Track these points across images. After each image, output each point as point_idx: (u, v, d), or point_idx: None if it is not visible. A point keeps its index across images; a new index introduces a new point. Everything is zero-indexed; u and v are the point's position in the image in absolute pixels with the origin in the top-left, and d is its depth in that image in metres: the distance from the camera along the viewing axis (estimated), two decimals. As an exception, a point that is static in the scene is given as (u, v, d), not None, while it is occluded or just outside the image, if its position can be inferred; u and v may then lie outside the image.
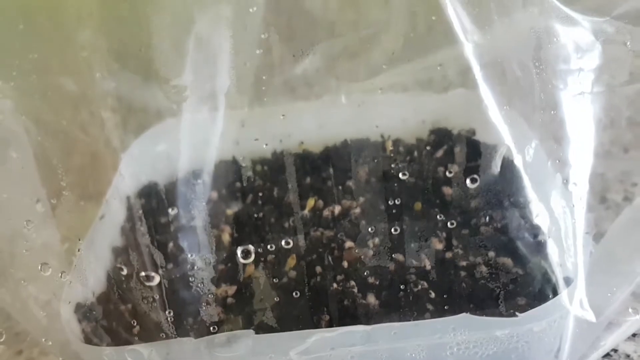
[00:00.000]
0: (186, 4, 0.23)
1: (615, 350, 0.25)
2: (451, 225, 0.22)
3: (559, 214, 0.20)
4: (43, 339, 0.21)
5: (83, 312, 0.21)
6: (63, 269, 0.22)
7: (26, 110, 0.25)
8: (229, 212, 0.28)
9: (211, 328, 0.20)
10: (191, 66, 0.26)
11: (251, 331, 0.20)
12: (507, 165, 0.20)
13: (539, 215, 0.20)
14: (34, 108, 0.25)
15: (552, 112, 0.20)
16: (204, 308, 0.20)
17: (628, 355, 0.25)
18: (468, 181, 0.21)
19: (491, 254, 0.21)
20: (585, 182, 0.20)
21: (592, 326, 0.22)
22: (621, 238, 0.23)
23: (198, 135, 0.29)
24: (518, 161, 0.20)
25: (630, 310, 0.23)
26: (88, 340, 0.20)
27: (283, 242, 0.23)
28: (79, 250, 0.23)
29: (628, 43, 0.20)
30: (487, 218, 0.21)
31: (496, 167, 0.20)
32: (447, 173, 0.25)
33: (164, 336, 0.20)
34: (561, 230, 0.20)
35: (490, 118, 0.20)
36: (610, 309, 0.22)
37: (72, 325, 0.20)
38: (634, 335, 0.26)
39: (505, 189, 0.20)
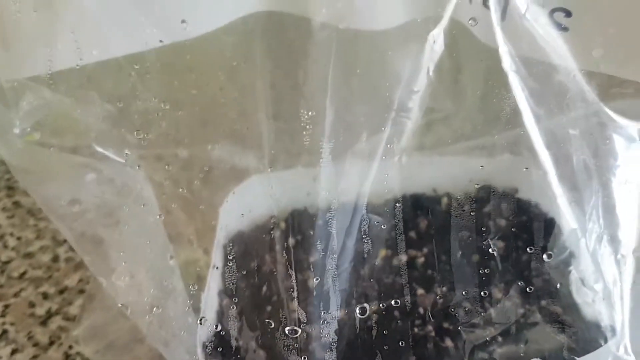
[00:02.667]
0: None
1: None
2: (525, 289, 0.27)
3: (610, 280, 0.25)
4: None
5: (215, 354, 0.26)
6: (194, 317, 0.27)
7: (152, 178, 0.29)
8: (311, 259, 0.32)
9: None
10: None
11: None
12: (574, 242, 0.25)
13: (597, 281, 0.25)
14: (158, 176, 0.30)
15: (605, 198, 0.25)
16: (328, 354, 0.25)
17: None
18: (545, 256, 0.26)
19: (557, 311, 0.26)
20: (630, 254, 0.25)
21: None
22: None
23: (277, 189, 0.33)
24: (582, 241, 0.25)
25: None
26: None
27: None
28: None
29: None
30: (558, 284, 0.26)
31: (566, 246, 0.25)
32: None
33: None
34: (611, 292, 0.25)
35: (559, 203, 0.25)
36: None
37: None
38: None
39: (570, 261, 0.25)
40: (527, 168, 0.26)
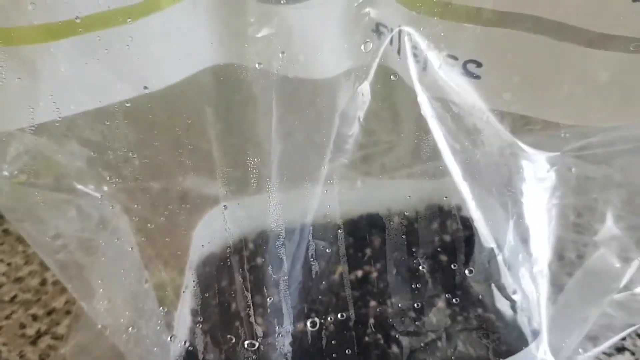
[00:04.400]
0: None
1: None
2: (451, 300, 0.30)
3: (528, 291, 0.29)
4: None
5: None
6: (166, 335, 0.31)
7: (128, 208, 0.33)
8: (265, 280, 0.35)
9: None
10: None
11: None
12: (492, 258, 0.29)
13: (515, 292, 0.29)
14: (134, 206, 0.33)
15: (520, 220, 0.29)
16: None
17: (581, 386, 0.34)
18: (467, 272, 0.29)
19: (482, 319, 0.30)
20: (546, 268, 0.29)
21: (553, 367, 0.31)
22: (575, 293, 0.32)
23: (243, 214, 0.37)
24: (500, 258, 0.28)
25: (580, 350, 0.32)
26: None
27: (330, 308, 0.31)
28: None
29: (573, 169, 0.29)
30: (479, 295, 0.30)
31: (485, 263, 0.29)
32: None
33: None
34: (529, 301, 0.29)
35: (477, 226, 0.28)
36: (565, 353, 0.31)
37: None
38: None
39: (489, 275, 0.29)
40: (446, 197, 0.30)
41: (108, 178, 0.31)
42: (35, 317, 0.42)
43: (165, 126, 0.30)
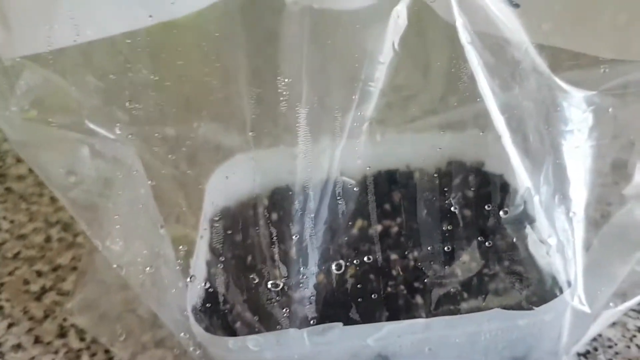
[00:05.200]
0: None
1: (600, 335, 0.33)
2: (484, 243, 0.29)
3: (562, 235, 0.28)
4: (181, 333, 0.27)
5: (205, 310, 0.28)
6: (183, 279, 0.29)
7: (140, 154, 0.31)
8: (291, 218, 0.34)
9: (311, 321, 0.27)
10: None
11: (340, 323, 0.27)
12: (528, 199, 0.28)
13: (550, 236, 0.27)
14: (147, 155, 0.32)
15: (557, 160, 0.28)
16: (307, 306, 0.27)
17: (609, 339, 0.33)
18: (501, 213, 0.28)
19: (515, 264, 0.28)
20: (581, 211, 0.28)
21: (585, 317, 0.29)
22: (603, 249, 0.30)
23: (260, 168, 0.35)
24: (535, 198, 0.27)
25: (611, 304, 0.31)
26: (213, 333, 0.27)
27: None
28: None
29: (610, 110, 0.28)
30: (514, 238, 0.28)
31: (520, 203, 0.28)
32: (471, 202, 0.32)
33: (279, 327, 0.27)
34: (565, 246, 0.28)
35: (513, 164, 0.27)
36: (598, 304, 0.30)
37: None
38: (613, 324, 0.34)
39: (524, 217, 0.28)
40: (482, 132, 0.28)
41: (123, 117, 0.30)
42: (39, 274, 0.41)
43: (188, 57, 0.28)
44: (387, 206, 0.35)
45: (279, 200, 0.34)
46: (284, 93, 0.26)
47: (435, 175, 0.37)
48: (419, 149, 0.39)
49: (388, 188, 0.36)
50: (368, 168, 0.31)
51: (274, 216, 0.32)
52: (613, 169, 0.29)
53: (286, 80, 0.25)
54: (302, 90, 0.25)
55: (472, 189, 0.34)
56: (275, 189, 0.36)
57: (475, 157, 0.38)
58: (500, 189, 0.30)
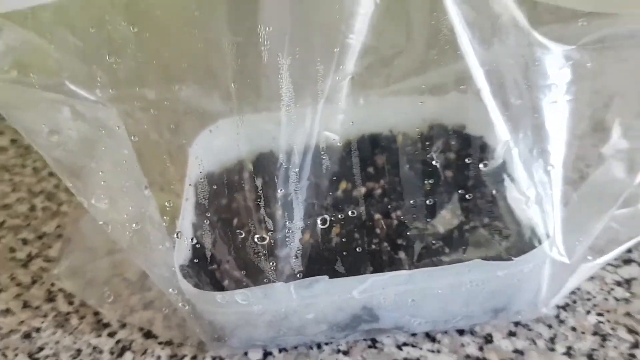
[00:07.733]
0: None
1: (578, 289, 0.34)
2: (464, 197, 0.30)
3: (541, 188, 0.28)
4: (170, 290, 0.28)
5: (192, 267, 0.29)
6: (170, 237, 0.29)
7: (122, 116, 0.31)
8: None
9: (298, 275, 0.28)
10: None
11: (326, 277, 0.27)
12: (507, 153, 0.28)
13: (529, 188, 0.28)
14: (127, 115, 0.32)
15: (535, 115, 0.28)
16: (294, 261, 0.27)
17: (588, 292, 0.34)
18: (481, 165, 0.29)
19: (495, 217, 0.29)
20: (559, 165, 0.29)
21: (563, 269, 0.30)
22: (580, 205, 0.31)
23: (242, 133, 0.35)
24: (514, 151, 0.28)
25: (589, 257, 0.32)
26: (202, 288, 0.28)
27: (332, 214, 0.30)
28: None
29: (588, 65, 0.28)
30: (494, 191, 0.29)
31: (500, 156, 0.28)
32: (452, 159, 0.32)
33: (266, 281, 0.27)
34: (543, 199, 0.29)
35: (492, 118, 0.28)
36: (576, 256, 0.30)
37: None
38: (591, 277, 0.34)
39: (503, 169, 0.28)
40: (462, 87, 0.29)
41: (102, 80, 0.30)
42: (25, 241, 0.41)
43: (164, 12, 0.28)
44: (370, 169, 0.36)
45: (264, 164, 0.35)
46: (266, 42, 0.26)
47: (418, 137, 0.38)
48: (401, 113, 0.39)
49: (371, 152, 0.37)
50: (351, 123, 0.30)
51: (259, 178, 0.32)
52: (594, 132, 0.29)
53: (267, 29, 0.25)
54: (284, 40, 0.25)
55: (453, 150, 0.34)
56: (260, 154, 0.37)
57: (456, 120, 0.38)
58: (480, 150, 0.30)
